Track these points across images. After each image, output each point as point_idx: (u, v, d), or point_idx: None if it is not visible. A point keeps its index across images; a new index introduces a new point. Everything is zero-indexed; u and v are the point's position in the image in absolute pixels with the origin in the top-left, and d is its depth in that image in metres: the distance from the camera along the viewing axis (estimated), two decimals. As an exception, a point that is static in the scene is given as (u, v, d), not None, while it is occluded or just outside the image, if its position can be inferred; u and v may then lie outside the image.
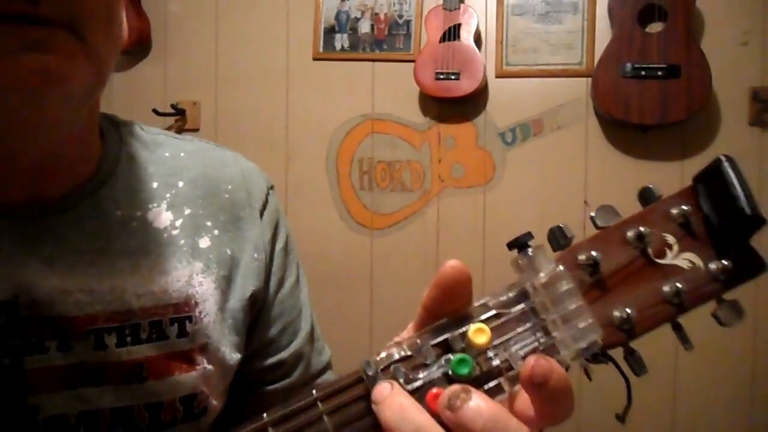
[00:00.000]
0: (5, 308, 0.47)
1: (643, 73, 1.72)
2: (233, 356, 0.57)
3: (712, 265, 0.36)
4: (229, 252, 0.58)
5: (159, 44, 2.09)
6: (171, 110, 2.03)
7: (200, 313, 0.55)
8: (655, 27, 1.75)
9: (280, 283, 0.62)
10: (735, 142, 1.79)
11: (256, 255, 0.59)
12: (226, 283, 0.57)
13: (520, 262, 0.36)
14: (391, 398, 0.32)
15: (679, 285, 0.36)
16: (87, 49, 0.42)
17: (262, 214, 0.61)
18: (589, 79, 1.84)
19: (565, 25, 1.89)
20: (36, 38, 0.39)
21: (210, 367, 0.55)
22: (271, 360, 0.62)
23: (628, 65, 1.73)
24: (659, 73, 1.71)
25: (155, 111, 1.99)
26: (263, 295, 0.60)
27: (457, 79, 1.84)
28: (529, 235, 0.36)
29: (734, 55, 1.80)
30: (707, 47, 1.74)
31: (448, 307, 0.35)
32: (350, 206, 2.01)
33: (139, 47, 2.06)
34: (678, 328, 0.37)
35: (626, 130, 1.82)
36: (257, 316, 0.60)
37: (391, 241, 1.99)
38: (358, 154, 2.01)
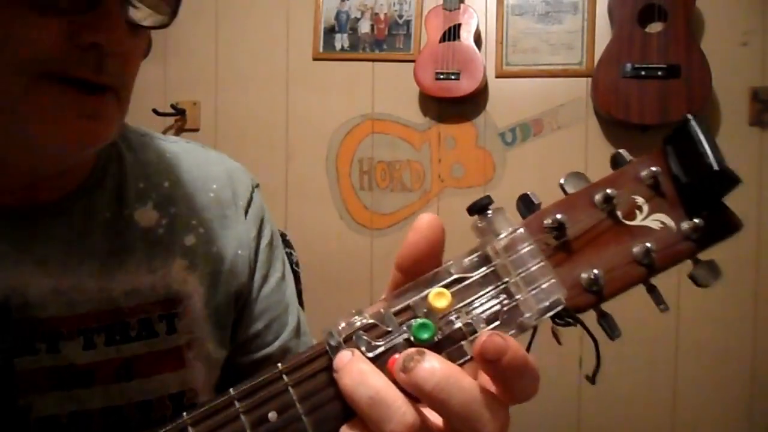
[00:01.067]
0: None
1: (643, 73, 1.72)
2: (219, 352, 0.58)
3: (684, 225, 0.35)
4: (214, 249, 0.59)
5: (159, 44, 2.09)
6: (171, 110, 2.03)
7: (186, 309, 0.56)
8: (655, 27, 1.75)
9: (265, 279, 0.63)
10: (735, 142, 1.79)
11: (240, 252, 0.60)
12: (211, 280, 0.58)
13: (479, 225, 0.35)
14: (351, 365, 0.31)
15: (649, 245, 0.35)
16: (121, 105, 0.47)
17: (246, 212, 0.63)
18: (589, 79, 1.84)
19: (565, 25, 1.89)
20: (92, 107, 0.43)
21: (196, 363, 0.56)
22: (257, 355, 0.62)
23: (628, 65, 1.73)
24: (659, 73, 1.71)
25: (155, 111, 1.99)
26: (247, 291, 0.61)
27: (457, 79, 1.84)
28: (488, 199, 0.35)
29: (734, 55, 1.80)
30: (707, 47, 1.74)
31: (424, 265, 0.35)
32: (350, 206, 2.01)
33: (139, 47, 2.06)
34: (652, 290, 0.36)
35: (626, 130, 1.82)
36: (242, 312, 0.61)
37: (391, 241, 1.99)
38: (358, 154, 2.01)
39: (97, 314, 0.51)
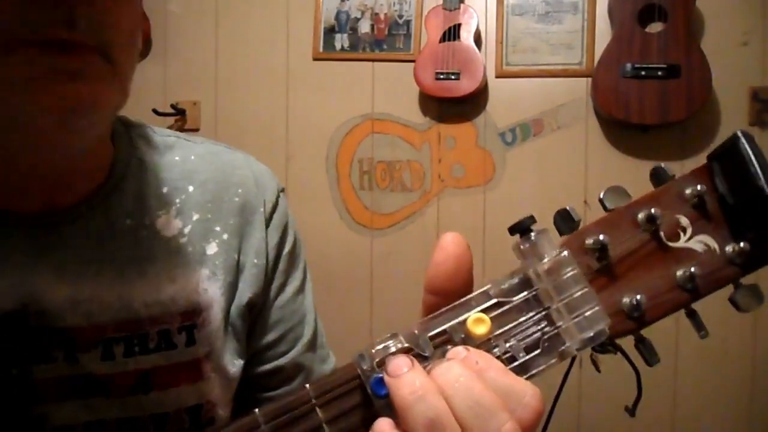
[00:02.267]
0: (14, 318, 0.47)
1: (643, 73, 1.72)
2: (235, 363, 0.57)
3: (729, 248, 0.34)
4: (235, 257, 0.57)
5: (159, 44, 2.09)
6: (171, 110, 2.03)
7: (205, 320, 0.54)
8: (655, 27, 1.75)
9: (282, 288, 0.61)
10: None
11: (256, 260, 0.58)
12: (230, 290, 0.56)
13: (522, 247, 0.34)
14: (412, 377, 0.30)
15: (693, 269, 0.34)
16: (115, 71, 0.42)
17: (271, 218, 0.61)
18: (589, 79, 1.84)
19: (565, 25, 1.89)
20: (71, 67, 0.39)
21: (214, 375, 0.55)
22: (268, 366, 0.61)
23: (628, 65, 1.73)
24: (659, 73, 1.71)
25: (155, 111, 1.99)
26: (261, 300, 0.59)
27: (457, 79, 1.84)
28: (531, 219, 0.34)
29: (734, 55, 1.80)
30: (707, 47, 1.74)
31: (454, 284, 0.34)
32: (350, 206, 2.01)
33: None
34: (692, 315, 0.35)
35: (626, 130, 1.82)
36: (255, 321, 0.60)
37: (391, 241, 1.99)
38: (358, 154, 2.01)
39: (116, 325, 0.50)
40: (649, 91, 1.72)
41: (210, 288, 0.55)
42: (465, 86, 1.83)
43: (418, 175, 1.98)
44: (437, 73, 1.85)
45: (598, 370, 0.36)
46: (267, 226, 0.60)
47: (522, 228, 0.34)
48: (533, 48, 1.90)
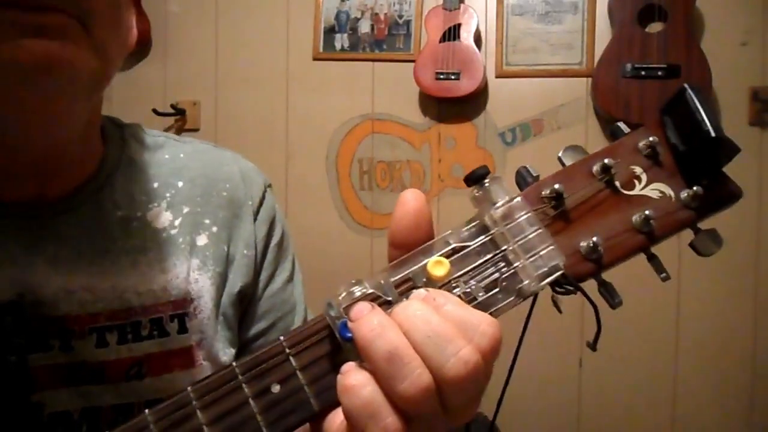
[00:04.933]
0: (11, 308, 0.48)
1: (643, 73, 1.72)
2: (227, 351, 0.59)
3: (683, 194, 0.36)
4: (225, 249, 0.59)
5: (159, 44, 2.09)
6: (171, 110, 2.03)
7: (196, 309, 0.56)
8: (655, 27, 1.75)
9: (271, 278, 0.63)
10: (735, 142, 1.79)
11: (246, 251, 0.60)
12: (221, 280, 0.58)
13: (476, 195, 0.36)
14: (371, 316, 0.32)
15: (648, 213, 0.35)
16: (93, 40, 0.41)
17: (258, 212, 0.63)
18: (589, 79, 1.84)
19: (565, 25, 1.89)
20: (40, 24, 0.38)
21: (206, 363, 0.56)
22: None
23: (628, 65, 1.73)
24: (659, 73, 1.71)
25: (155, 111, 1.99)
26: (251, 290, 0.61)
27: (457, 79, 1.84)
28: (484, 168, 0.36)
29: (734, 55, 1.80)
30: (707, 47, 1.74)
31: (416, 236, 0.35)
32: (350, 206, 2.01)
33: (139, 47, 2.06)
34: (652, 259, 0.36)
35: (626, 130, 1.82)
36: (246, 311, 0.62)
37: (391, 241, 1.99)
38: (358, 154, 2.01)
39: (109, 313, 0.51)
40: (649, 91, 1.72)
41: (200, 278, 0.57)
42: (465, 86, 1.84)
43: (418, 175, 1.98)
44: (437, 73, 1.85)
45: (559, 310, 0.37)
46: (255, 219, 0.62)
47: (476, 177, 0.35)
48: (533, 48, 1.90)
